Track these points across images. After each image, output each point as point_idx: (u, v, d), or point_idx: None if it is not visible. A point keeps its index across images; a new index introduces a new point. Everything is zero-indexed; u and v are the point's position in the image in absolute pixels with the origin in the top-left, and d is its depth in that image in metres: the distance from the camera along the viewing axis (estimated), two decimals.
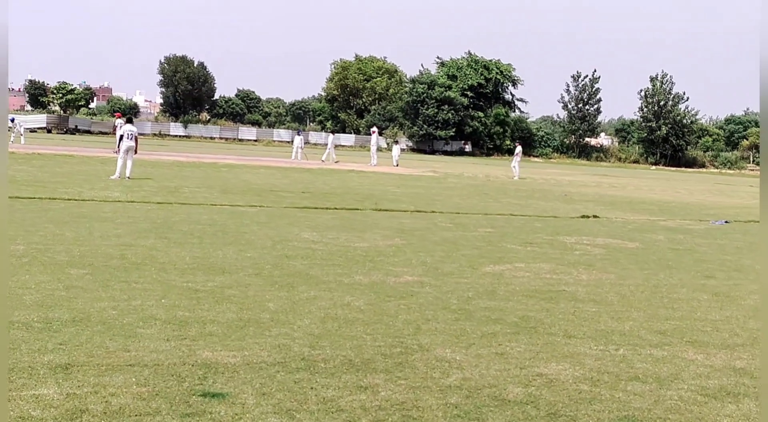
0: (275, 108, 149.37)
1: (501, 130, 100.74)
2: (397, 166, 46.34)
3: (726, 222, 21.17)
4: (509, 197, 26.44)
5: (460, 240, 14.02)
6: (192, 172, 28.87)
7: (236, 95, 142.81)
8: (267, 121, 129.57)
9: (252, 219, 15.01)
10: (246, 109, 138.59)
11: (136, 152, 24.09)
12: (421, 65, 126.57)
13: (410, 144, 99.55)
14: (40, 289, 7.87)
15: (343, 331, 7.03)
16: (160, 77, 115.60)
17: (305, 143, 55.82)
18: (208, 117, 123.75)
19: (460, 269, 10.81)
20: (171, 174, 27.07)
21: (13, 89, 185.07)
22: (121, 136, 23.99)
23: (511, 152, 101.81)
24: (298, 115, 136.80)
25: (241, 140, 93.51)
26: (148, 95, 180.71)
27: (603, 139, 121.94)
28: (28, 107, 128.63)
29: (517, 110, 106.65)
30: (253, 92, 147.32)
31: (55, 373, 5.41)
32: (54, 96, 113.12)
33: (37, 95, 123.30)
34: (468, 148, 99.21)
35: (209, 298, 7.96)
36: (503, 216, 19.06)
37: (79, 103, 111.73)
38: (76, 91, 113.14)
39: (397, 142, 53.67)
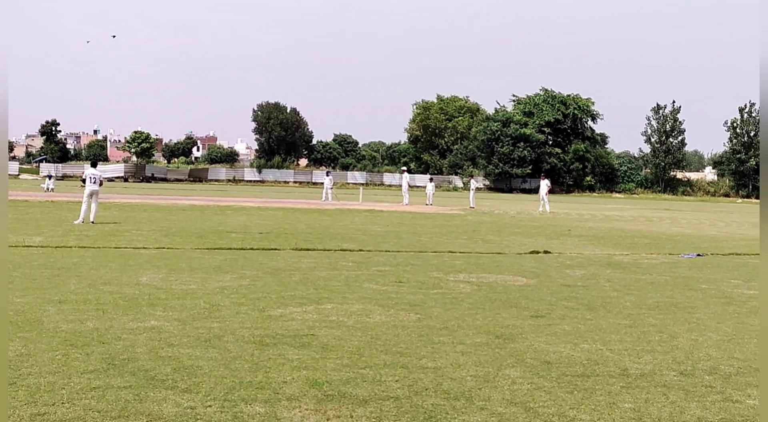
0: (374, 151, 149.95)
1: (581, 166, 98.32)
2: (431, 204, 45.05)
3: (698, 255, 19.19)
4: (497, 234, 24.78)
5: (321, 279, 12.78)
6: (179, 215, 28.28)
7: (333, 140, 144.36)
8: (361, 164, 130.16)
9: (119, 263, 14.10)
10: (344, 153, 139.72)
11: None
12: (497, 102, 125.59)
13: (487, 182, 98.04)
14: None
15: None
16: (254, 124, 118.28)
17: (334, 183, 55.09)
18: (306, 162, 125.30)
19: (240, 312, 9.62)
20: (148, 217, 26.54)
21: (121, 141, 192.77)
22: (84, 180, 23.63)
23: (591, 189, 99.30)
24: (395, 158, 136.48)
25: (315, 183, 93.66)
26: (250, 142, 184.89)
27: (708, 173, 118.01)
28: (134, 158, 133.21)
29: (597, 145, 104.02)
30: (350, 136, 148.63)
31: None
32: (130, 145, 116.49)
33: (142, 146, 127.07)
34: None
35: None
36: (436, 254, 17.65)
37: (152, 151, 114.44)
38: (151, 139, 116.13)
39: (431, 179, 52.16)
